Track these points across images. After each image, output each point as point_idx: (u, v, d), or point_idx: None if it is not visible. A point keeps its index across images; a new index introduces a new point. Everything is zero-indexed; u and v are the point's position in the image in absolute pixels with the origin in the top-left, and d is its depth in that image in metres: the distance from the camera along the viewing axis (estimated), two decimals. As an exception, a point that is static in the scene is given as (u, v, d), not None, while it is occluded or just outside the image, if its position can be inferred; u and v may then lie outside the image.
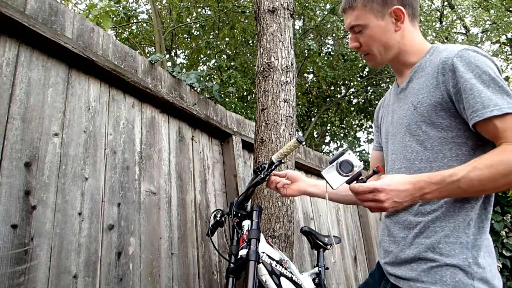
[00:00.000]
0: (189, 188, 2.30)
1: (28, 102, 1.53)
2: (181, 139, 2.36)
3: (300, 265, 3.06)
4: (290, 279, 1.47)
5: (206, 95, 2.63)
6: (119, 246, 1.75)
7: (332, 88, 9.12)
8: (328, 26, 7.21)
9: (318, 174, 3.67)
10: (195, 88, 2.55)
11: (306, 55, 7.25)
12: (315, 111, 9.02)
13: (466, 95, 0.92)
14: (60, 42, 1.64)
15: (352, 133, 10.49)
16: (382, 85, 8.91)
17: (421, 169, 1.00)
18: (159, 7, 8.54)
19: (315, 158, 3.89)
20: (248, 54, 8.47)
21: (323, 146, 10.61)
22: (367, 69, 8.39)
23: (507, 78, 10.16)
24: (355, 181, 0.97)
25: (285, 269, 1.48)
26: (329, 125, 9.79)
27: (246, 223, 1.42)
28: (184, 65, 9.47)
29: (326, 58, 7.95)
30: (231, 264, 1.37)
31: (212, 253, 2.30)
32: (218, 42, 8.64)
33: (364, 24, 1.08)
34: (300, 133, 1.38)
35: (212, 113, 2.60)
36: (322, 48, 8.18)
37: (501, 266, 3.96)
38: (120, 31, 8.35)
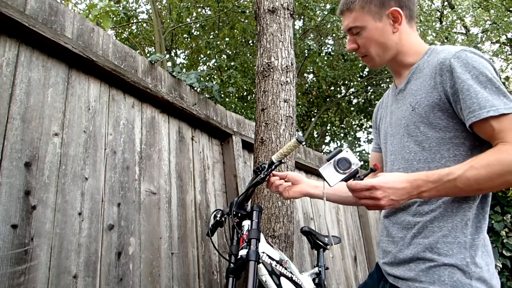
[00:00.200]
0: (189, 188, 2.30)
1: (28, 102, 1.54)
2: (181, 139, 2.36)
3: (300, 265, 3.06)
4: (290, 279, 1.47)
5: (206, 95, 2.63)
6: (119, 246, 1.75)
7: (332, 88, 9.12)
8: (328, 26, 7.21)
9: (318, 174, 3.66)
10: (195, 88, 2.55)
11: (306, 55, 7.25)
12: (315, 111, 9.02)
13: (463, 95, 0.93)
14: (60, 42, 1.64)
15: (352, 133, 10.49)
16: (382, 85, 8.92)
17: (419, 170, 1.00)
18: (159, 7, 8.54)
19: (315, 158, 3.89)
20: (248, 54, 8.47)
21: (323, 146, 10.60)
22: (367, 69, 8.40)
23: (507, 78, 10.17)
24: (352, 179, 0.97)
25: (285, 269, 1.48)
26: (329, 125, 9.79)
27: (246, 223, 1.42)
28: (184, 65, 9.48)
29: (326, 58, 7.96)
30: (231, 264, 1.37)
31: (212, 253, 2.31)
32: (218, 42, 8.64)
33: (362, 26, 1.09)
34: (300, 133, 1.38)
35: (212, 113, 2.61)
36: (322, 48, 8.18)
37: (501, 266, 3.96)
38: (120, 31, 8.35)
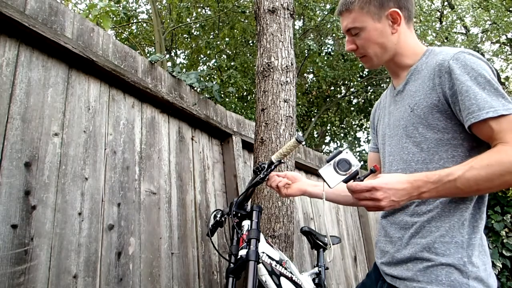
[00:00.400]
0: (189, 188, 2.30)
1: (28, 102, 1.54)
2: (181, 139, 2.36)
3: (300, 265, 3.06)
4: (290, 279, 1.47)
5: (206, 95, 2.63)
6: (119, 246, 1.76)
7: (332, 88, 9.12)
8: (328, 26, 7.20)
9: (318, 174, 3.66)
10: (195, 88, 2.55)
11: (306, 55, 7.25)
12: (315, 111, 9.01)
13: (462, 97, 0.93)
14: (60, 42, 1.64)
15: (352, 133, 10.49)
16: (382, 85, 8.91)
17: (417, 171, 1.00)
18: (159, 7, 8.53)
19: (315, 158, 3.89)
20: (248, 54, 8.46)
21: (323, 146, 10.60)
22: (367, 69, 8.39)
23: (507, 78, 10.16)
24: (352, 180, 0.97)
25: (285, 269, 1.48)
26: (329, 125, 9.79)
27: (246, 223, 1.42)
28: (184, 65, 9.47)
29: (326, 58, 7.95)
30: (231, 264, 1.37)
31: (212, 253, 2.31)
32: (218, 42, 8.64)
33: (361, 26, 1.09)
34: (300, 133, 1.38)
35: (212, 113, 2.61)
36: (322, 48, 8.17)
37: (501, 266, 3.96)
38: (120, 31, 8.35)
